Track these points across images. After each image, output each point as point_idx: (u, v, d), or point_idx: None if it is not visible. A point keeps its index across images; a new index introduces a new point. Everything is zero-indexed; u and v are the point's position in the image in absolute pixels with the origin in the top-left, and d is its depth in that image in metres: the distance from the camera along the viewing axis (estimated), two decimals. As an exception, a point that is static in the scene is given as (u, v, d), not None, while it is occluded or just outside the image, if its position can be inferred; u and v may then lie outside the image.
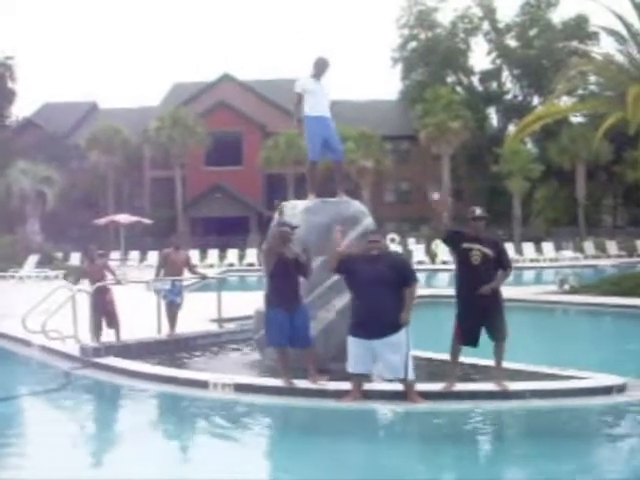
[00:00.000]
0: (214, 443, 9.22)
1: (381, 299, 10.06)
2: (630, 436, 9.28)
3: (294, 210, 13.08)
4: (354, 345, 10.26)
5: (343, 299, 12.14)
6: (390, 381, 10.42)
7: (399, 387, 10.37)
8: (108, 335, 14.91)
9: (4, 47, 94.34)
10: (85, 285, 15.45)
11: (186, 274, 16.32)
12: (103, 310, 14.87)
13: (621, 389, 10.73)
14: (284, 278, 11.01)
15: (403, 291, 10.23)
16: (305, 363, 11.17)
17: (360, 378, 10.45)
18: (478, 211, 10.69)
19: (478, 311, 10.39)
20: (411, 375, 10.21)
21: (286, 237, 11.14)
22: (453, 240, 10.74)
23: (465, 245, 10.46)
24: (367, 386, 10.56)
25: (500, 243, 10.92)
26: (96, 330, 14.67)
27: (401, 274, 10.28)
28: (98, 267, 15.48)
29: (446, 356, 11.08)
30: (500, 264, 10.54)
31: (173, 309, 15.74)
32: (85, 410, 11.59)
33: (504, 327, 10.53)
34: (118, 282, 15.62)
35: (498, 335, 10.54)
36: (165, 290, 15.63)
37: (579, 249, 49.96)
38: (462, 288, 10.56)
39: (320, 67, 12.97)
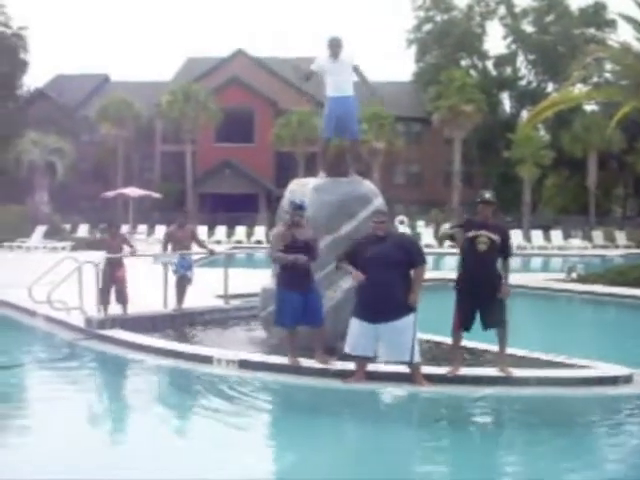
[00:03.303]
0: (214, 418, 9.23)
1: (387, 280, 9.97)
2: (635, 427, 9.24)
3: (304, 188, 13.05)
4: (357, 327, 10.20)
5: (349, 279, 12.13)
6: (395, 363, 10.38)
7: (404, 369, 10.35)
8: (114, 308, 14.91)
9: (17, 17, 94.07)
10: (93, 256, 15.43)
11: (194, 249, 16.30)
12: (114, 285, 14.86)
13: (628, 380, 10.68)
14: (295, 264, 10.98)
15: (411, 273, 10.19)
16: (313, 342, 11.16)
17: (364, 359, 10.40)
18: (487, 195, 10.64)
19: (479, 296, 10.35)
20: (417, 358, 10.17)
21: (297, 221, 11.10)
22: (463, 227, 10.71)
23: (471, 233, 10.40)
24: (372, 367, 10.51)
25: (506, 230, 10.89)
26: (104, 302, 14.66)
27: (409, 254, 10.20)
28: (119, 241, 15.45)
29: (449, 340, 11.05)
30: (503, 250, 10.51)
31: (184, 283, 15.73)
32: (86, 381, 11.57)
33: (503, 314, 10.48)
34: (133, 253, 15.60)
35: (495, 322, 10.48)
36: (175, 264, 15.60)
37: (588, 238, 49.84)
38: (465, 274, 10.52)
39: (333, 46, 12.89)
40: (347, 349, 10.33)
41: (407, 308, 10.04)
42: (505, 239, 10.55)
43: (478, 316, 10.45)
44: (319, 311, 11.09)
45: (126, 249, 15.50)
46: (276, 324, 11.47)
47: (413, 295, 10.06)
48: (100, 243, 15.75)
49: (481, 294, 10.33)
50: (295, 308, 10.89)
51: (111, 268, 14.74)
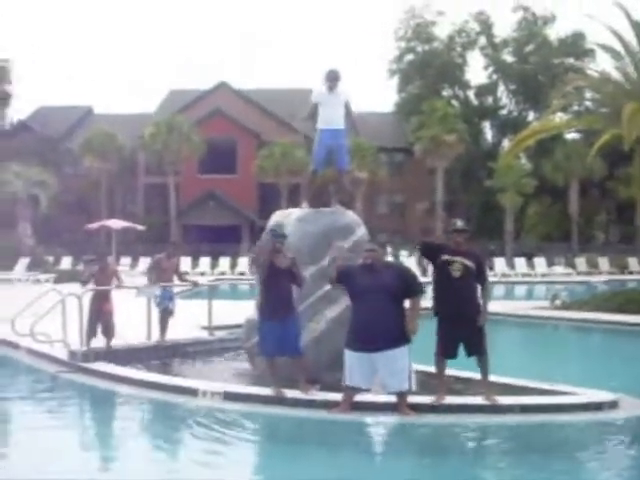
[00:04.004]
0: (199, 450, 9.16)
1: (381, 310, 9.93)
2: (621, 454, 9.23)
3: (287, 218, 13.08)
4: (353, 359, 10.13)
5: (335, 309, 12.13)
6: (392, 394, 10.32)
7: (389, 399, 10.31)
8: (98, 340, 14.81)
9: (0, 49, 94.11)
10: (76, 288, 15.35)
11: (175, 281, 16.26)
12: (101, 318, 14.75)
13: (613, 405, 10.70)
14: (276, 288, 10.96)
15: (404, 302, 10.18)
16: (296, 373, 11.12)
17: (356, 391, 10.34)
18: (459, 223, 10.72)
19: (458, 325, 10.34)
20: (414, 387, 10.22)
21: (274, 247, 11.08)
22: (431, 250, 10.77)
23: (445, 257, 10.42)
24: (357, 397, 10.46)
25: (481, 256, 10.94)
26: (90, 335, 14.54)
27: (406, 284, 10.19)
28: (108, 274, 15.32)
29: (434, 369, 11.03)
30: (479, 277, 10.52)
31: (166, 315, 15.67)
32: (69, 414, 11.48)
33: (483, 342, 10.50)
34: (119, 285, 15.52)
35: (476, 350, 10.50)
36: (158, 296, 15.56)
37: (571, 265, 49.97)
38: (442, 301, 10.51)
39: (331, 78, 12.98)
40: (348, 382, 10.24)
41: (402, 338, 10.03)
42: (480, 265, 10.59)
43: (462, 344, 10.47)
44: (296, 341, 11.04)
45: (114, 282, 15.40)
46: (258, 355, 11.45)
47: (411, 324, 10.05)
48: (90, 276, 15.54)
49: (460, 322, 10.33)
50: (274, 338, 10.87)
51: (99, 301, 14.63)
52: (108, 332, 14.73)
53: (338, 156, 13.26)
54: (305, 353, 11.21)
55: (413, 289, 10.23)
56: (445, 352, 10.52)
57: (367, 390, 10.42)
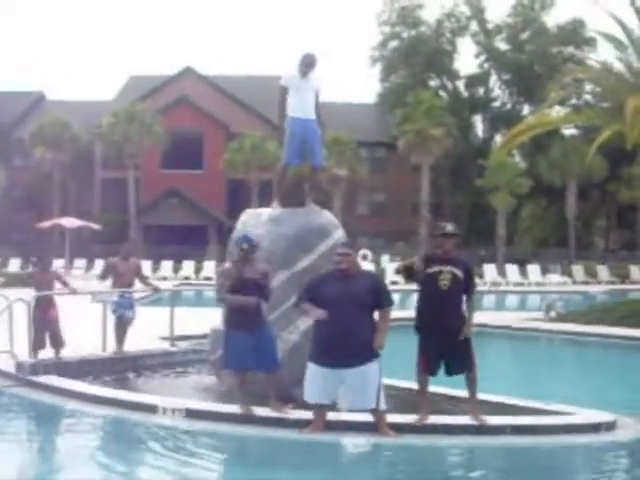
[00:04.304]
0: (158, 474, 9.12)
1: (351, 322, 9.84)
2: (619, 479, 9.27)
3: (258, 219, 13.05)
4: (316, 373, 10.08)
5: (307, 321, 12.10)
6: (358, 411, 10.33)
7: (367, 417, 10.31)
8: (48, 352, 14.72)
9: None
10: (25, 293, 15.26)
11: (137, 285, 16.19)
12: (47, 327, 14.64)
13: (610, 426, 10.74)
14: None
15: (375, 314, 10.17)
16: (268, 389, 11.07)
17: (323, 407, 10.31)
18: (449, 227, 10.67)
19: (443, 339, 10.34)
20: (383, 405, 10.12)
21: (245, 257, 11.04)
22: (418, 273, 10.66)
23: (434, 269, 10.39)
24: (331, 416, 10.46)
25: (469, 263, 10.95)
26: (37, 346, 14.45)
27: (376, 295, 10.12)
28: (49, 277, 15.21)
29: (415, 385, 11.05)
30: (466, 286, 10.55)
31: (123, 324, 15.57)
32: (14, 433, 11.36)
33: (470, 357, 10.51)
34: (73, 291, 15.42)
35: (463, 365, 10.51)
36: (114, 303, 15.48)
37: (568, 273, 50.16)
38: (426, 314, 10.49)
39: (306, 63, 12.90)
40: (308, 398, 10.23)
41: (372, 352, 9.99)
42: (469, 274, 10.63)
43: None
44: (271, 354, 11.00)
45: (58, 286, 15.30)
46: (225, 368, 11.42)
47: (379, 338, 9.98)
48: (29, 278, 15.50)
49: (447, 337, 10.32)
50: (244, 350, 10.79)
51: (42, 308, 14.53)
52: (56, 341, 14.65)
53: (312, 150, 13.21)
54: (280, 367, 11.19)
55: (384, 301, 10.19)
56: (428, 368, 10.52)
57: (329, 406, 10.39)
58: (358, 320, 9.91)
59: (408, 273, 10.92)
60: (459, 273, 10.40)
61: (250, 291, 10.85)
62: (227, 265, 11.40)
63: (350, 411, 10.41)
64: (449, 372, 10.58)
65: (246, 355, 10.80)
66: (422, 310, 10.57)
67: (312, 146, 13.14)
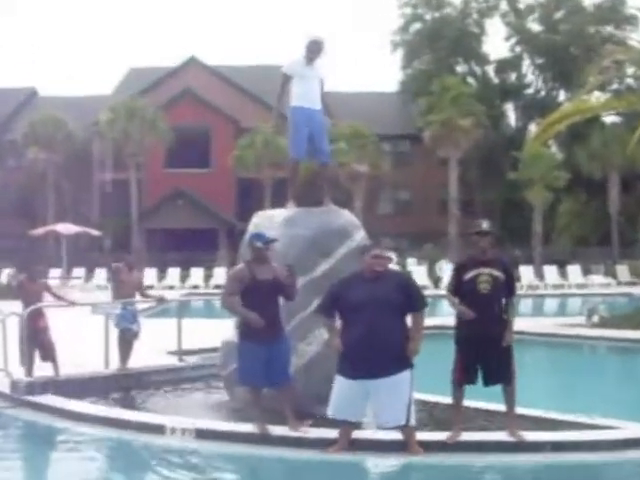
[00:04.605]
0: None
1: (380, 328, 9.78)
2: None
3: (271, 221, 13.04)
4: (342, 386, 10.03)
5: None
6: (388, 429, 10.31)
7: (394, 436, 10.30)
8: (45, 369, 14.77)
9: None
10: (19, 306, 15.30)
11: (138, 297, 16.21)
12: (36, 340, 14.69)
13: (660, 442, 10.71)
14: (258, 305, 10.72)
15: (407, 318, 10.11)
16: (283, 406, 11.05)
17: (350, 425, 10.27)
18: (484, 225, 10.65)
19: (484, 348, 10.31)
20: (413, 421, 10.08)
21: (259, 255, 11.02)
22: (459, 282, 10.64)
23: (471, 273, 10.38)
24: (356, 434, 10.46)
25: (509, 264, 10.96)
26: (28, 362, 14.49)
27: (407, 296, 10.04)
28: (37, 288, 15.24)
29: (449, 399, 11.03)
30: (507, 288, 10.53)
31: (128, 338, 15.59)
32: (10, 457, 11.36)
33: (511, 368, 10.49)
34: (72, 303, 15.45)
35: (502, 377, 10.48)
36: (116, 315, 15.52)
37: (611, 274, 49.99)
38: (465, 321, 10.42)
39: (313, 49, 12.93)
40: (333, 413, 10.17)
41: (404, 361, 9.95)
42: (509, 274, 10.60)
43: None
44: (285, 367, 10.94)
45: (48, 298, 15.33)
46: (239, 384, 11.42)
47: (413, 345, 9.94)
48: (18, 289, 15.44)
49: (486, 344, 10.28)
50: (254, 360, 10.74)
51: (30, 320, 14.51)
52: (48, 354, 14.67)
53: (320, 145, 13.27)
54: (294, 381, 11.18)
55: (416, 303, 10.13)
56: (464, 379, 10.50)
57: (357, 424, 10.38)
58: (388, 325, 9.84)
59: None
60: (499, 274, 10.37)
61: (265, 295, 10.75)
62: (239, 266, 11.31)
63: (379, 428, 10.38)
64: (486, 382, 10.55)
65: (260, 368, 10.73)
66: (462, 318, 10.56)
67: (318, 140, 13.17)
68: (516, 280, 10.85)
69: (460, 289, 10.52)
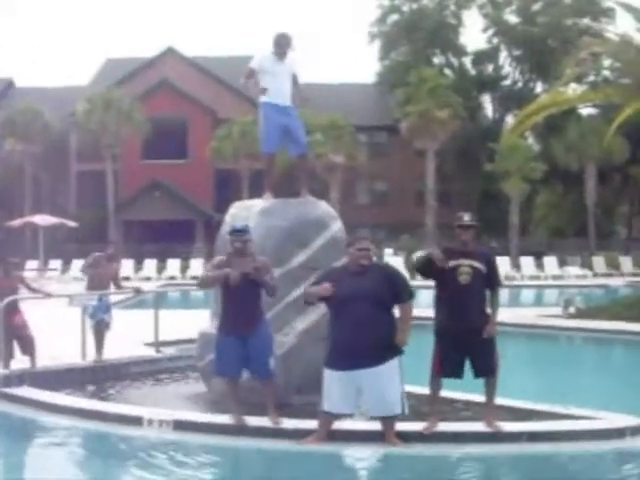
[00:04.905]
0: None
1: (367, 321, 9.79)
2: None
3: (248, 211, 13.03)
4: (333, 379, 10.00)
5: (306, 319, 12.11)
6: (377, 418, 10.30)
7: (373, 426, 10.31)
8: (22, 361, 14.71)
9: None
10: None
11: (112, 289, 16.14)
12: (14, 334, 14.62)
13: (636, 432, 10.71)
14: (236, 301, 10.72)
15: (393, 310, 10.10)
16: (263, 398, 10.99)
17: (334, 417, 10.26)
18: (466, 217, 10.60)
19: (464, 339, 10.29)
20: (407, 410, 10.12)
21: (238, 248, 10.90)
22: (431, 266, 10.52)
23: (451, 263, 10.32)
24: (334, 425, 10.45)
25: (491, 255, 10.92)
26: (6, 356, 14.43)
27: (393, 288, 10.04)
28: (12, 281, 15.15)
29: (427, 390, 11.03)
30: (490, 281, 10.53)
31: (102, 329, 15.59)
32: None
33: (494, 359, 10.48)
34: (48, 295, 15.38)
35: (486, 369, 10.48)
36: (92, 307, 15.48)
37: (587, 265, 50.17)
38: (444, 311, 10.45)
39: (281, 44, 12.94)
40: (329, 408, 10.12)
41: (392, 350, 9.95)
42: (491, 267, 10.57)
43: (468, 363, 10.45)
44: (265, 359, 10.83)
45: (24, 291, 15.26)
46: (215, 374, 11.40)
47: (401, 336, 9.94)
48: None
49: (467, 336, 10.26)
50: (231, 353, 10.71)
51: (6, 314, 14.46)
52: (27, 348, 14.60)
53: (295, 138, 13.30)
54: (275, 375, 11.10)
55: (403, 294, 10.12)
56: (443, 370, 10.46)
57: (349, 416, 10.39)
58: (375, 318, 9.85)
59: (429, 268, 10.62)
60: (480, 266, 10.35)
61: (247, 288, 10.63)
62: (220, 257, 11.19)
63: (373, 418, 10.37)
64: (476, 374, 10.54)
65: (236, 359, 10.71)
66: (440, 308, 10.55)
67: (295, 133, 13.22)
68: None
69: (439, 277, 10.51)
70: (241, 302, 10.74)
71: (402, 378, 10.05)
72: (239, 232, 10.94)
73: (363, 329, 9.77)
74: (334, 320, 10.15)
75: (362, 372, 9.86)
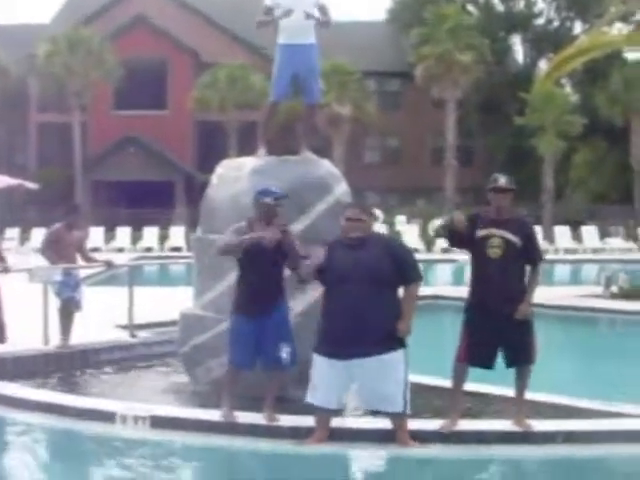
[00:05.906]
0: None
1: (365, 302, 9.71)
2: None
3: (239, 172, 13.00)
4: (322, 367, 9.98)
5: (305, 299, 12.09)
6: (375, 415, 10.31)
7: (382, 424, 10.32)
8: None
9: None
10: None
11: (79, 262, 16.12)
12: None
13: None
14: (258, 272, 10.59)
15: (398, 291, 10.06)
16: (267, 391, 10.92)
17: (329, 413, 10.22)
18: (502, 180, 10.41)
19: (496, 323, 10.22)
20: (409, 408, 10.04)
21: (268, 214, 10.73)
22: (461, 234, 10.41)
23: (480, 233, 10.28)
24: (338, 423, 10.45)
25: (530, 227, 10.78)
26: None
27: (399, 266, 9.94)
28: None
29: (447, 382, 11.05)
30: (527, 255, 10.47)
31: (70, 309, 15.55)
32: None
33: (531, 347, 10.45)
34: (5, 269, 15.39)
35: (521, 358, 10.43)
36: (57, 283, 15.45)
37: (632, 237, 50.14)
38: (475, 289, 10.45)
39: None
40: (312, 400, 10.11)
41: (395, 340, 9.88)
42: (530, 239, 10.45)
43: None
44: (278, 346, 10.68)
45: None
46: (229, 364, 11.04)
47: (403, 324, 9.87)
48: None
49: (499, 319, 10.19)
50: (253, 342, 10.64)
51: None
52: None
53: (307, 83, 13.24)
54: (286, 368, 10.93)
55: (409, 273, 10.04)
56: (470, 358, 10.41)
57: (337, 412, 10.37)
58: (374, 299, 9.75)
59: (451, 235, 10.62)
60: (514, 238, 10.22)
61: (268, 260, 10.51)
62: (240, 223, 10.91)
63: (366, 414, 10.38)
64: (509, 364, 10.51)
65: (247, 346, 10.65)
66: (472, 285, 10.52)
67: (307, 79, 13.15)
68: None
69: (470, 248, 10.47)
70: (265, 276, 10.66)
71: (407, 372, 10.00)
72: (274, 194, 10.81)
73: (361, 312, 9.72)
74: (328, 299, 10.13)
75: (358, 362, 9.82)
